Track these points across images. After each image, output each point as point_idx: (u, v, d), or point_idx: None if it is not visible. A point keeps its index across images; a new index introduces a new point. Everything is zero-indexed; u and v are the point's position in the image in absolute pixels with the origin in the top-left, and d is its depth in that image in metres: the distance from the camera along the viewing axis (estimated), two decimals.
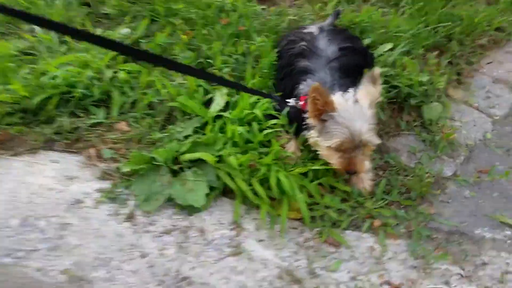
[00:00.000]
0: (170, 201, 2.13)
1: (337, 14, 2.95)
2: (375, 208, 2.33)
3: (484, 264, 2.18)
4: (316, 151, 2.25)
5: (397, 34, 2.97)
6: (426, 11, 3.24)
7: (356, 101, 2.14)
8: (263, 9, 3.15)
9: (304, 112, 2.21)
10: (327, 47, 2.53)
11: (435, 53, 2.99)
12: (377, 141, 2.17)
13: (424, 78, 2.69)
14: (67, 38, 2.64)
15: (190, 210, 2.12)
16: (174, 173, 2.16)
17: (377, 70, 2.18)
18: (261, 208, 2.18)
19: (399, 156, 2.62)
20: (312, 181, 2.28)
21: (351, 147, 2.12)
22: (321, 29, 2.68)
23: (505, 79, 3.21)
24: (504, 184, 2.54)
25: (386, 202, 2.38)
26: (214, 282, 1.95)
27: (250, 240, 2.14)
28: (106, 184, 2.15)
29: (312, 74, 2.44)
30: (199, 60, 2.63)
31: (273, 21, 2.98)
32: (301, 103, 2.25)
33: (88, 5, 3.01)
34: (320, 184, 2.32)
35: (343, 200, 2.35)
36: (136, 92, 2.43)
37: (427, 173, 2.49)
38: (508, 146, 2.74)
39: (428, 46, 3.07)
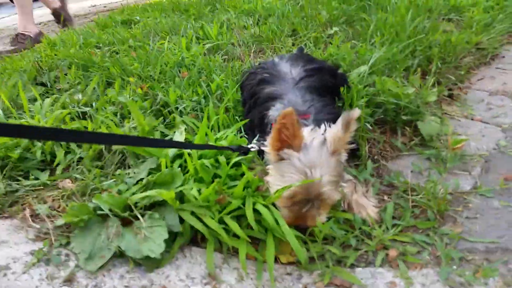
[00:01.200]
0: (122, 258, 1.68)
1: (301, 51, 2.78)
2: (387, 237, 1.85)
3: None
4: None
5: (370, 59, 2.75)
6: (398, 41, 3.08)
7: (323, 142, 1.80)
8: (224, 61, 3.00)
9: None
10: (291, 70, 2.30)
11: (418, 74, 2.74)
12: (337, 197, 1.80)
13: (410, 90, 2.39)
14: None
15: (147, 265, 1.64)
16: (125, 224, 1.74)
17: (355, 111, 1.78)
18: (240, 251, 1.71)
19: (404, 176, 2.20)
20: None
21: (304, 199, 1.74)
22: (282, 57, 2.47)
23: (504, 90, 2.92)
24: None
25: (399, 228, 1.90)
26: None
27: None
28: (40, 245, 1.71)
29: (280, 98, 2.16)
30: (155, 107, 2.37)
31: (235, 68, 2.80)
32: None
33: (43, 85, 2.87)
34: None
35: (345, 232, 1.89)
36: (83, 147, 2.11)
37: (441, 188, 2.05)
38: None
39: (408, 70, 2.84)
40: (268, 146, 1.83)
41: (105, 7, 7.81)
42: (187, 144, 1.89)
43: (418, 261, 1.75)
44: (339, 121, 1.80)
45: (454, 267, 1.71)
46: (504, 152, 2.34)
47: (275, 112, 2.09)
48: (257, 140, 2.06)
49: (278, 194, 1.75)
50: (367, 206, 1.97)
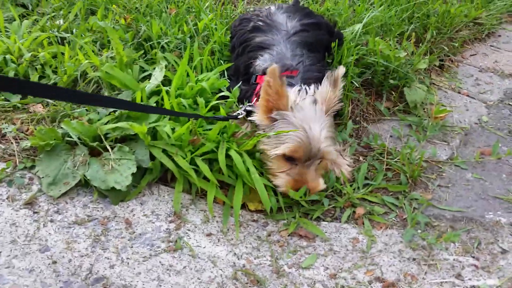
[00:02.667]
0: (87, 187, 1.65)
1: (296, 2, 2.67)
2: (356, 196, 1.85)
3: (504, 252, 1.66)
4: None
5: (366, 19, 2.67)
6: (397, 4, 2.98)
7: (314, 101, 1.75)
8: (215, 2, 2.86)
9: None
10: (287, 22, 2.21)
11: (412, 40, 2.68)
12: (334, 155, 1.77)
13: (401, 54, 2.34)
14: None
15: (113, 198, 1.62)
16: (94, 154, 1.70)
17: (340, 69, 1.78)
18: (208, 194, 1.69)
19: (382, 140, 2.19)
20: None
21: (303, 157, 1.69)
22: (279, 6, 2.38)
23: (494, 68, 2.89)
24: None
25: (370, 189, 1.90)
26: (140, 285, 1.41)
27: (195, 235, 1.62)
28: (3, 166, 1.67)
29: (269, 49, 2.08)
30: (137, 40, 2.27)
31: (227, 10, 2.69)
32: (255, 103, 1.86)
33: (24, 6, 2.72)
34: None
35: None
36: (58, 72, 2.03)
37: (417, 155, 2.04)
38: (509, 128, 2.33)
39: (403, 35, 2.76)
40: (257, 110, 1.77)
41: None
42: (172, 111, 1.79)
43: (384, 221, 1.77)
44: (326, 79, 1.77)
45: (419, 231, 1.73)
46: (484, 127, 2.34)
47: (262, 62, 2.02)
48: (240, 87, 2.00)
49: (254, 141, 1.72)
50: (342, 164, 1.95)
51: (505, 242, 1.69)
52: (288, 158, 1.71)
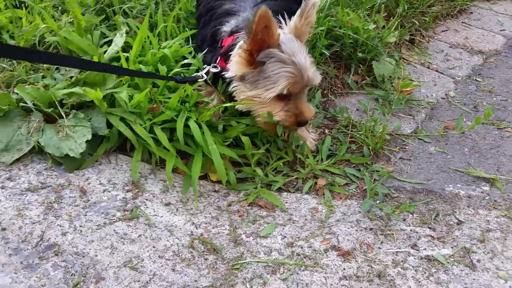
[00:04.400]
0: (41, 155, 1.60)
1: None
2: (319, 168, 1.86)
3: (460, 223, 1.69)
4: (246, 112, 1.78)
5: None
6: None
7: (291, 35, 1.73)
8: None
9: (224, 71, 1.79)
10: None
11: (383, 14, 2.65)
12: (320, 78, 1.77)
13: (370, 26, 2.31)
14: None
15: (67, 165, 1.58)
16: (49, 121, 1.65)
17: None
18: (167, 163, 1.66)
19: (348, 113, 2.18)
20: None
21: (298, 90, 1.69)
22: None
23: (464, 45, 2.90)
24: (475, 138, 2.12)
25: (333, 160, 1.90)
26: (93, 252, 1.39)
27: (153, 204, 1.60)
28: None
29: (236, 15, 2.03)
30: (99, 6, 2.19)
31: None
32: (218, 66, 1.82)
33: None
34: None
35: (280, 159, 1.87)
36: (15, 37, 1.95)
37: (381, 129, 2.04)
38: (474, 103, 2.35)
39: (374, 8, 2.73)
40: (234, 65, 1.72)
41: None
42: (127, 70, 1.73)
43: (344, 192, 1.78)
44: (298, 11, 1.74)
45: (378, 201, 1.74)
46: (451, 102, 2.35)
47: (228, 28, 1.97)
48: (205, 55, 1.95)
49: (211, 112, 1.69)
50: (306, 137, 1.95)
51: (462, 214, 1.72)
52: (282, 96, 1.70)
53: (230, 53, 1.76)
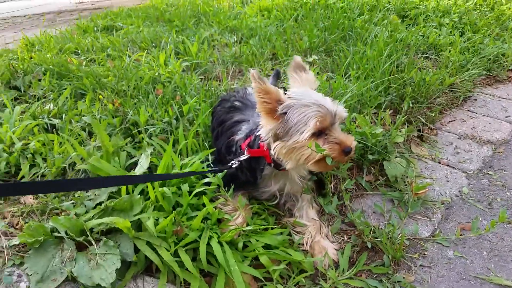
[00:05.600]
0: (74, 282, 1.66)
1: (277, 74, 2.80)
2: (341, 281, 1.87)
3: None
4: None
5: (343, 94, 2.78)
6: (373, 75, 3.13)
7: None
8: (201, 79, 2.99)
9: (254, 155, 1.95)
10: None
11: (389, 111, 2.78)
12: (346, 112, 1.88)
13: (378, 130, 2.43)
14: None
15: None
16: (81, 247, 1.72)
17: (296, 58, 1.98)
18: (191, 286, 1.70)
19: (365, 217, 2.23)
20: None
21: (329, 123, 1.79)
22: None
23: (472, 135, 2.99)
24: (492, 239, 2.13)
25: (354, 271, 1.92)
26: None
27: None
28: None
29: (246, 122, 2.18)
30: (124, 125, 2.35)
31: (211, 90, 2.80)
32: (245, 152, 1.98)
33: (17, 89, 2.82)
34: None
35: (301, 272, 1.90)
36: (48, 162, 2.08)
37: (400, 234, 2.08)
38: (488, 200, 2.39)
39: (380, 107, 2.88)
40: (263, 123, 1.86)
41: (92, 4, 7.73)
42: (167, 175, 1.87)
43: None
44: (292, 73, 1.97)
45: None
46: (465, 200, 2.39)
47: (241, 135, 2.11)
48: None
49: (233, 233, 1.77)
50: (327, 247, 1.99)
51: None
52: (317, 134, 1.77)
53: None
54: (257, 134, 1.96)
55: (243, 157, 1.96)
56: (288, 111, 1.77)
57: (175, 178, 1.87)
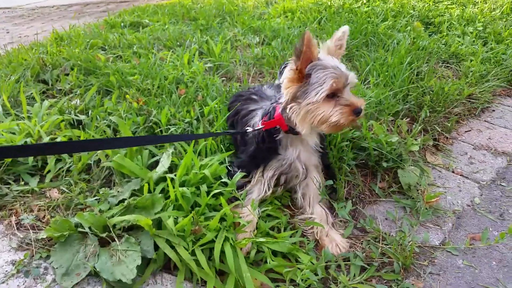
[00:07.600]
0: (96, 277, 1.75)
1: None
2: (351, 285, 1.94)
3: None
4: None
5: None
6: (393, 83, 3.16)
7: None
8: (223, 80, 3.07)
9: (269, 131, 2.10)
10: (275, 93, 2.41)
11: (406, 119, 2.82)
12: (356, 79, 2.01)
13: (393, 139, 2.47)
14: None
15: (120, 287, 1.73)
16: (104, 243, 1.82)
17: (344, 27, 2.09)
18: (208, 284, 1.79)
19: (377, 223, 2.28)
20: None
21: (342, 86, 1.91)
22: (270, 86, 2.63)
23: (487, 146, 3.01)
24: (502, 250, 2.17)
25: (365, 276, 1.98)
26: None
27: None
28: (21, 256, 1.79)
29: (261, 108, 2.29)
30: (147, 124, 2.44)
31: (232, 91, 2.87)
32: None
33: (45, 82, 2.93)
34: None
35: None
36: (73, 158, 2.18)
37: (410, 241, 2.13)
38: (500, 211, 2.42)
39: (397, 115, 2.91)
40: (285, 85, 1.98)
41: None
42: (191, 135, 2.10)
43: None
44: (333, 37, 2.07)
45: None
46: (477, 210, 2.43)
47: (259, 117, 2.23)
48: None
49: (246, 242, 1.86)
50: (336, 238, 2.10)
51: None
52: (330, 95, 1.90)
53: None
54: (274, 105, 2.12)
55: (258, 128, 2.11)
56: (312, 73, 1.90)
57: (198, 138, 2.17)
